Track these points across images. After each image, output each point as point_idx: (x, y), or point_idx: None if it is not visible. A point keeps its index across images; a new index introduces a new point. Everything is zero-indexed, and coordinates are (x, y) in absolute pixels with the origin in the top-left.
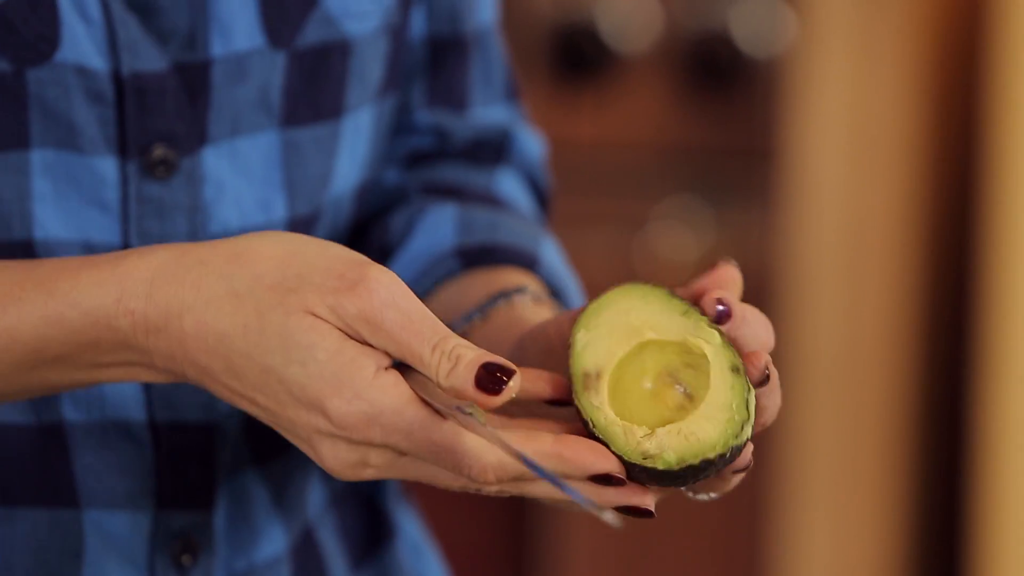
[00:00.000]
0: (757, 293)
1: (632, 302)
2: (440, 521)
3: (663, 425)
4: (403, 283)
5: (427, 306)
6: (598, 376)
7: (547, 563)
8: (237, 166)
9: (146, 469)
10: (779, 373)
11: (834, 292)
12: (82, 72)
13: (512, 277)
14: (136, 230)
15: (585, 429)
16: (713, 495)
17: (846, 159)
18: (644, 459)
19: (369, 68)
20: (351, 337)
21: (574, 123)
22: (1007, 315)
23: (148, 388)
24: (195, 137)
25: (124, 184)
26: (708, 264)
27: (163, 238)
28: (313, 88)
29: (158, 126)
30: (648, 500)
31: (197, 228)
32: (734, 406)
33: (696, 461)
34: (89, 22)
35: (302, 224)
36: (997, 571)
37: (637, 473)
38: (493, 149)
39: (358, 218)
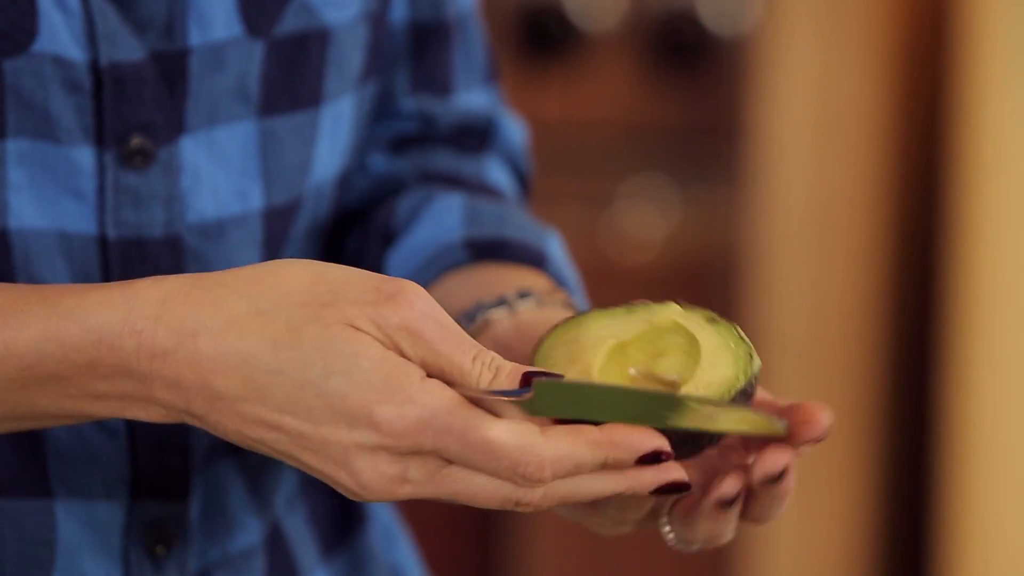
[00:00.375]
0: (723, 272)
1: (570, 332)
2: (408, 504)
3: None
4: (434, 299)
5: (431, 294)
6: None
7: (515, 544)
8: (214, 156)
9: (121, 459)
10: None
11: (800, 270)
12: (60, 63)
13: (527, 276)
14: (112, 219)
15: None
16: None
17: (812, 138)
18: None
19: (348, 56)
20: (390, 349)
21: (541, 102)
22: (973, 294)
23: None
24: (173, 127)
25: (101, 174)
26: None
27: (139, 227)
28: (291, 77)
29: (136, 116)
30: (682, 472)
31: (174, 217)
32: (731, 344)
33: (732, 398)
34: (67, 13)
35: (280, 213)
36: (964, 552)
37: (679, 440)
38: (478, 136)
39: (339, 206)
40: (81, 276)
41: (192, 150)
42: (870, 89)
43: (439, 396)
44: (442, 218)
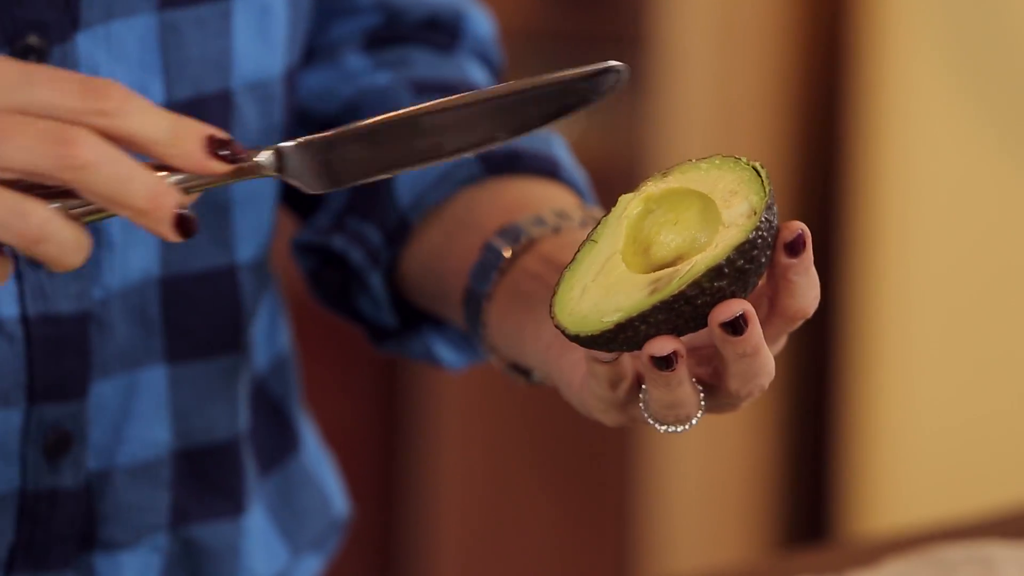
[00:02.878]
0: (625, 181)
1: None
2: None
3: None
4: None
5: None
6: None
7: (419, 444)
8: (112, 51)
9: (18, 364)
10: None
11: None
12: None
13: (550, 190)
14: None
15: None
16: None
17: (714, 47)
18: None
19: None
20: None
21: None
22: (876, 204)
23: (20, 281)
24: (67, 23)
25: None
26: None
27: None
28: None
29: (28, 14)
30: (666, 343)
31: None
32: (745, 179)
33: (749, 236)
34: None
35: (193, 108)
36: (867, 461)
37: (721, 274)
38: (448, 32)
39: (319, 115)
40: None
41: (88, 46)
42: None
43: None
44: None
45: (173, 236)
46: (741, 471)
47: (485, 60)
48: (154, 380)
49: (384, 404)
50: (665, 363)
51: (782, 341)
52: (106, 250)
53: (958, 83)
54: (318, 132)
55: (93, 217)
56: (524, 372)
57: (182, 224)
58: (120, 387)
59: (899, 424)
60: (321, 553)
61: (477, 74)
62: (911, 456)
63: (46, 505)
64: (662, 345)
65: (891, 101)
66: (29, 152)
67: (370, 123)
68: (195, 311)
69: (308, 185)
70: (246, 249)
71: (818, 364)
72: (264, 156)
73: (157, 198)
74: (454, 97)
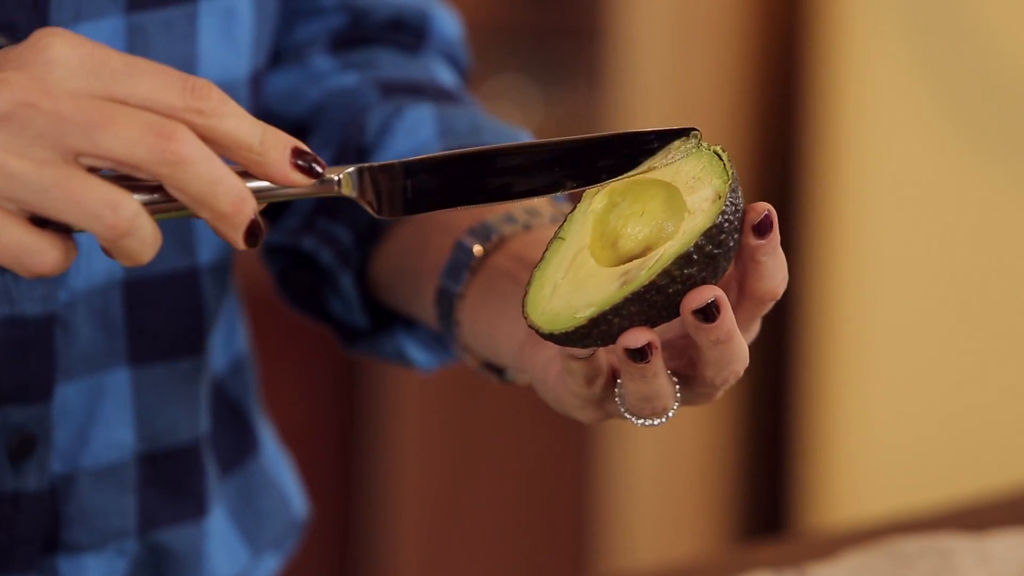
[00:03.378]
0: None
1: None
2: (268, 397)
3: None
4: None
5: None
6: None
7: (377, 441)
8: None
9: None
10: None
11: None
12: None
13: None
14: None
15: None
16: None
17: (672, 37)
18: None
19: None
20: None
21: None
22: (836, 194)
23: None
24: (36, 24)
25: None
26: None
27: None
28: None
29: None
30: (640, 335)
31: None
32: (707, 164)
33: (715, 221)
34: None
35: None
36: (826, 446)
37: (690, 261)
38: (415, 33)
39: (288, 116)
40: None
41: None
42: None
43: None
44: (416, 131)
45: (243, 244)
46: (699, 465)
47: (452, 61)
48: (118, 383)
49: (342, 402)
50: (640, 355)
51: (756, 326)
52: None
53: (916, 77)
54: (289, 134)
55: (163, 216)
56: (498, 371)
57: (253, 232)
58: (84, 390)
59: (856, 417)
60: (280, 552)
61: (444, 75)
62: (868, 449)
63: (10, 508)
64: (636, 337)
65: (849, 93)
66: (130, 143)
67: (448, 154)
68: (158, 314)
69: (379, 210)
70: (208, 252)
71: (776, 358)
72: (344, 175)
73: (240, 203)
74: (531, 142)
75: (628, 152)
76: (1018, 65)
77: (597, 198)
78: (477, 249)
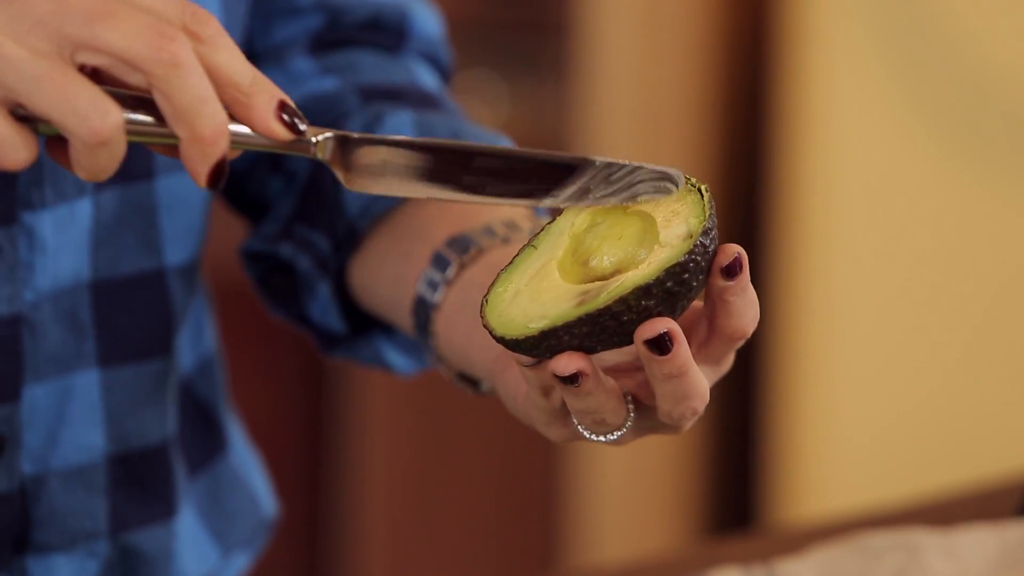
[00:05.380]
0: None
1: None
2: (236, 395)
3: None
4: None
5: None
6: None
7: (345, 439)
8: None
9: None
10: None
11: None
12: None
13: None
14: None
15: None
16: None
17: (639, 33)
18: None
19: None
20: None
21: None
22: (802, 190)
23: None
24: None
25: None
26: None
27: None
28: None
29: None
30: (571, 362)
31: None
32: (688, 201)
33: (680, 259)
34: None
35: None
36: (795, 432)
37: (648, 294)
38: (394, 33)
39: None
40: None
41: None
42: None
43: None
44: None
45: (205, 180)
46: (667, 460)
47: (433, 61)
48: (87, 384)
49: (311, 400)
50: (570, 380)
51: (728, 362)
52: (39, 253)
53: (884, 73)
54: None
55: (135, 138)
56: (472, 382)
57: (220, 170)
58: (53, 391)
59: (824, 413)
60: (249, 551)
61: (425, 77)
62: (836, 444)
63: None
64: (566, 364)
65: (816, 89)
66: (130, 36)
67: (430, 141)
68: (125, 315)
69: (349, 180)
70: (175, 253)
71: (743, 353)
72: (322, 138)
73: (219, 133)
74: (516, 149)
75: (612, 181)
76: (985, 64)
77: (580, 218)
78: (455, 261)
